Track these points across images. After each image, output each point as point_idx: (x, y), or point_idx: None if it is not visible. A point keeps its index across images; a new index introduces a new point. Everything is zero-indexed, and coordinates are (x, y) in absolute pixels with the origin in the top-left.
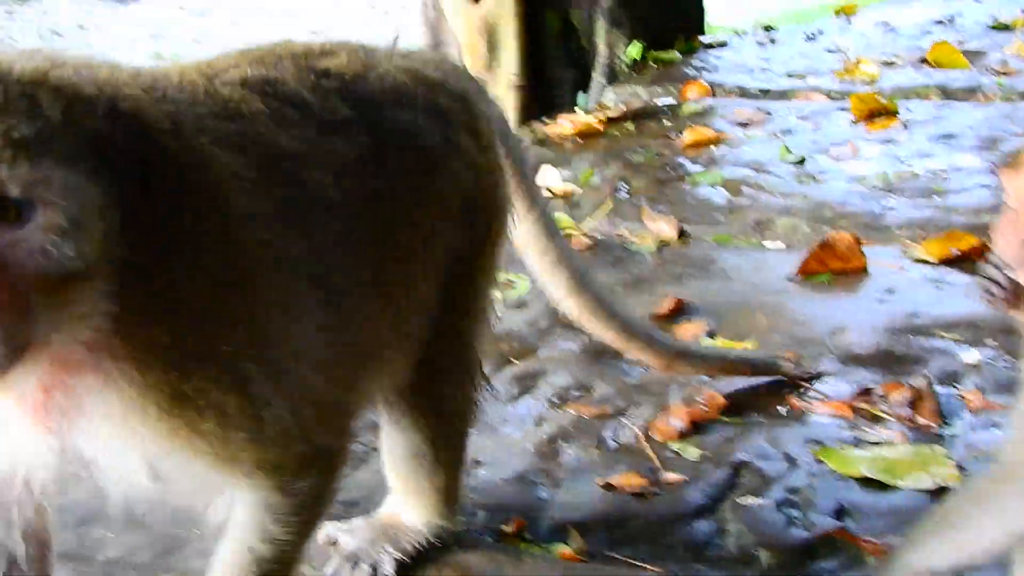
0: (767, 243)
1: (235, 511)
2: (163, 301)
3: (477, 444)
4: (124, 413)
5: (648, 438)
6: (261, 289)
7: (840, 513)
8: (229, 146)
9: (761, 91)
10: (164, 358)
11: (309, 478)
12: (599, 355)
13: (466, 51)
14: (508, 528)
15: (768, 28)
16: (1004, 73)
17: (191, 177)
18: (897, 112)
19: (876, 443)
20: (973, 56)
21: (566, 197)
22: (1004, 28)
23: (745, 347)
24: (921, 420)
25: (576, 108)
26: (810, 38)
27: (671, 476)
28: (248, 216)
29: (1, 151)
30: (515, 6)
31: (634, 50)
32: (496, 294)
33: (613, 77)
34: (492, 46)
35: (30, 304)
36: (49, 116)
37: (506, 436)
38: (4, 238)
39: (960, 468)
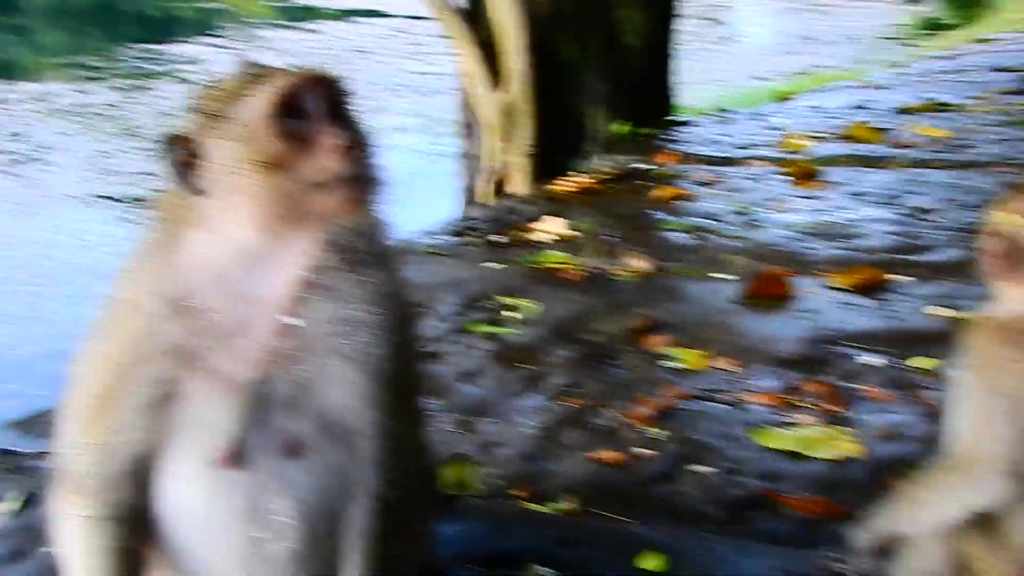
0: (719, 275)
1: None
2: None
3: (494, 431)
4: None
5: (625, 423)
6: None
7: (767, 477)
8: None
9: (717, 158)
10: None
11: None
12: (589, 359)
13: (487, 126)
14: (521, 493)
15: (723, 110)
16: (907, 146)
17: None
18: (821, 175)
19: (797, 425)
20: (883, 133)
21: (568, 240)
22: (908, 111)
23: (702, 354)
24: (831, 407)
25: (577, 171)
26: (756, 117)
27: (640, 450)
28: None
29: None
30: (530, 94)
31: (621, 128)
32: (509, 313)
33: (604, 148)
34: (511, 124)
35: None
36: None
37: (517, 423)
38: None
39: (860, 443)
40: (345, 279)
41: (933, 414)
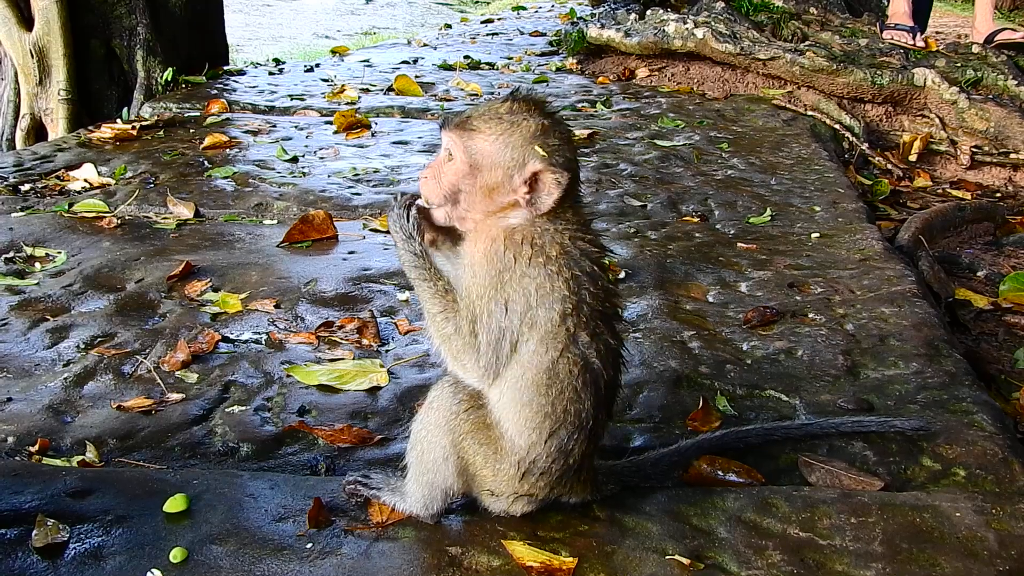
0: (265, 221)
1: None
2: None
3: (10, 387)
4: None
5: (158, 369)
6: None
7: (302, 411)
8: None
9: (268, 107)
10: None
11: None
12: (124, 309)
13: (20, 70)
14: (33, 448)
15: (278, 62)
16: (446, 99)
17: None
18: (369, 125)
19: (332, 360)
20: (426, 87)
21: (106, 188)
22: (449, 68)
23: (243, 298)
24: (365, 342)
25: (122, 119)
26: (309, 70)
27: (173, 396)
28: None
29: None
30: (62, 35)
31: (167, 74)
32: (37, 265)
33: (150, 95)
34: (43, 67)
35: None
36: None
37: (38, 377)
38: None
39: (390, 373)
40: None
41: None
